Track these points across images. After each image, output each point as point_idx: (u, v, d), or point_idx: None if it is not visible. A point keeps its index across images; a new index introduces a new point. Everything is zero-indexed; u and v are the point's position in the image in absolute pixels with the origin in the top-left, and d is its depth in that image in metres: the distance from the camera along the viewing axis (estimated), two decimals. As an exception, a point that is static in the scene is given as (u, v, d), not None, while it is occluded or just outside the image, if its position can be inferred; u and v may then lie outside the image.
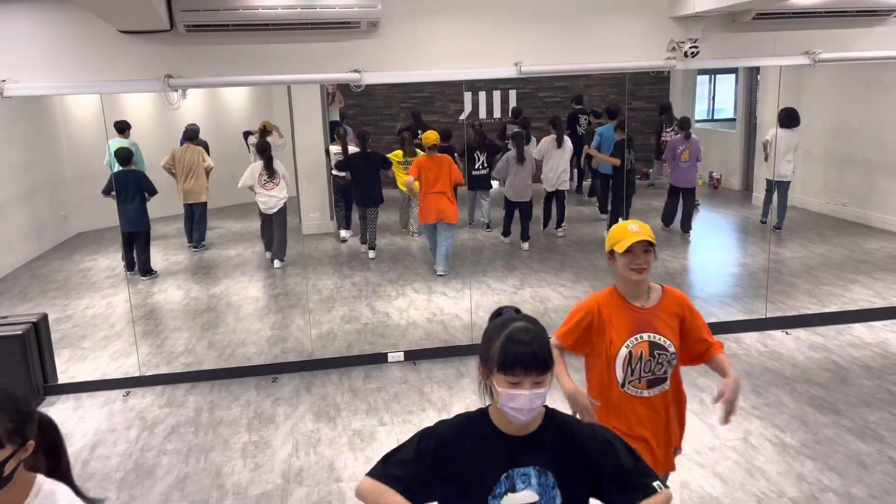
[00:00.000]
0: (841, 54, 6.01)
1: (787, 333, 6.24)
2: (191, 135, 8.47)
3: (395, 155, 8.85)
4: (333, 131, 9.55)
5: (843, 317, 6.48)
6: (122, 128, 8.16)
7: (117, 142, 8.04)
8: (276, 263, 8.43)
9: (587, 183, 11.43)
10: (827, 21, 5.90)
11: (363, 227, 8.82)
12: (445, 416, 5.03)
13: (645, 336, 2.83)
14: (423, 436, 1.98)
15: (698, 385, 5.25)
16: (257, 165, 8.19)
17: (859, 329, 6.29)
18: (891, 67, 7.98)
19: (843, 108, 8.78)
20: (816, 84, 9.32)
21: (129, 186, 7.68)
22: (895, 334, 6.16)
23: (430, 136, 7.82)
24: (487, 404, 1.99)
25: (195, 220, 8.78)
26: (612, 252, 2.83)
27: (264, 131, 8.76)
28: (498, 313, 2.02)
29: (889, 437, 4.51)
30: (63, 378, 5.73)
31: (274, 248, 8.48)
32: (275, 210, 8.24)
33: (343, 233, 9.41)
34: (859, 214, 9.05)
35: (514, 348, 1.84)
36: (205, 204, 8.63)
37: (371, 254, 8.68)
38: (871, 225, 8.92)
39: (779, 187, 8.56)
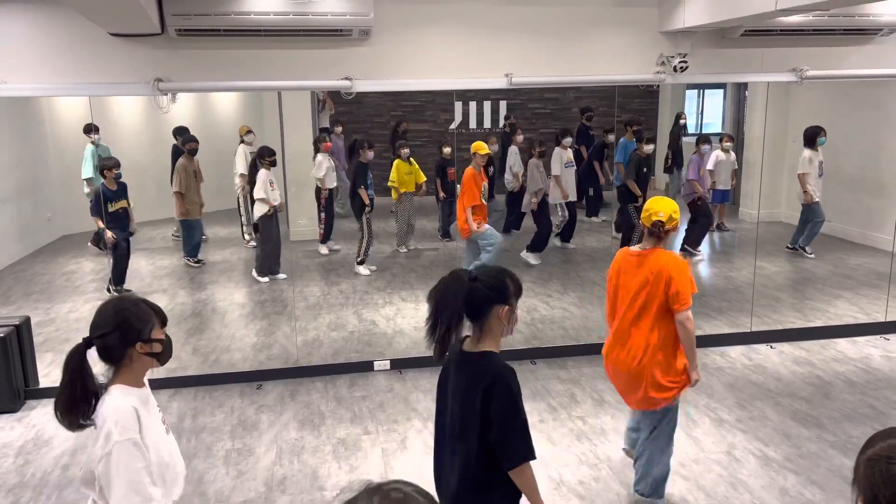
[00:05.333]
0: (828, 72, 6.10)
1: (771, 347, 6.28)
2: (187, 138, 8.27)
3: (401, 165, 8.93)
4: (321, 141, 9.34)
5: (827, 332, 6.53)
6: (94, 128, 7.80)
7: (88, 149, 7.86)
8: (282, 276, 8.23)
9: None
10: (814, 39, 5.98)
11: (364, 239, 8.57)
12: (431, 426, 5.02)
13: None
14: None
15: (683, 398, 5.25)
16: (267, 173, 7.99)
17: (843, 344, 6.33)
18: (877, 86, 8.07)
19: (828, 126, 8.85)
20: (803, 101, 9.41)
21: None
22: (878, 350, 6.21)
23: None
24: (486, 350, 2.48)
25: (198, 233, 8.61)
26: (663, 224, 3.61)
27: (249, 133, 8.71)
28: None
29: (871, 452, 4.53)
30: (45, 382, 5.67)
31: (273, 260, 8.21)
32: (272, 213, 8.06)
33: (324, 248, 9.28)
34: (844, 230, 9.13)
35: (516, 276, 2.55)
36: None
37: (363, 270, 8.45)
38: (855, 241, 9.00)
39: (816, 208, 8.49)
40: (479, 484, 2.49)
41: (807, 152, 8.42)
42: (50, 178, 9.37)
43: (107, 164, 7.30)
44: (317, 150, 8.97)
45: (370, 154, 8.49)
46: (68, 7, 4.81)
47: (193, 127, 9.49)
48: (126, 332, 2.30)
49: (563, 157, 8.89)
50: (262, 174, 7.97)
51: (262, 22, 5.03)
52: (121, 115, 9.19)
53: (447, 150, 9.19)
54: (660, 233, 3.62)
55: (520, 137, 9.31)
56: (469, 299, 2.44)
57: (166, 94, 5.26)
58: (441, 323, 2.40)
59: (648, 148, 8.57)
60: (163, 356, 2.41)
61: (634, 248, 3.74)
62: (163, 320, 2.41)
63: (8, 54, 5.04)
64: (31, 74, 5.11)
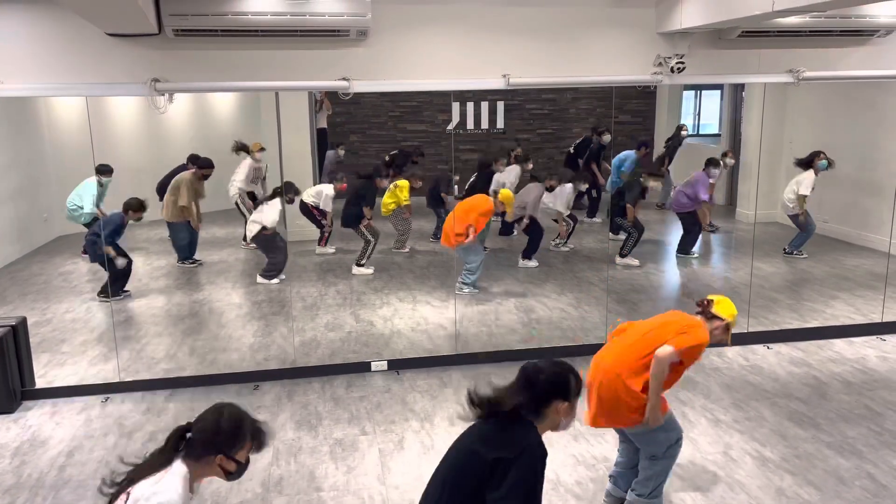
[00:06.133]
0: (824, 73, 6.10)
1: (768, 348, 6.29)
2: (211, 163, 8.45)
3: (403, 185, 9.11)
4: (332, 174, 9.43)
5: (824, 332, 6.54)
6: (107, 170, 7.85)
7: (93, 185, 7.83)
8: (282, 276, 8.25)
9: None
10: (811, 40, 5.99)
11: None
12: (428, 427, 5.02)
13: None
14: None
15: (680, 398, 5.27)
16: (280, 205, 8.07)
17: (839, 345, 6.35)
18: (873, 86, 8.10)
19: (825, 126, 8.89)
20: (800, 102, 9.44)
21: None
22: (874, 350, 6.22)
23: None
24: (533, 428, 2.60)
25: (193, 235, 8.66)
26: (720, 318, 3.70)
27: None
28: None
29: (867, 452, 4.54)
30: (41, 383, 5.66)
31: (279, 268, 8.28)
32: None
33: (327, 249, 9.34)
34: (841, 231, 9.15)
35: (579, 375, 2.75)
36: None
37: (365, 270, 8.56)
38: (852, 242, 9.02)
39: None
40: None
41: (812, 175, 8.37)
42: (47, 179, 9.35)
43: (134, 206, 7.41)
44: (327, 181, 9.11)
45: (385, 183, 8.80)
46: (65, 7, 4.80)
47: (190, 127, 9.49)
48: (219, 441, 2.48)
49: (571, 197, 9.12)
50: (277, 206, 7.94)
51: (259, 22, 5.03)
52: (118, 116, 9.18)
53: (457, 177, 9.42)
54: (718, 327, 3.72)
55: (530, 165, 9.73)
56: (531, 389, 2.63)
57: (163, 95, 5.26)
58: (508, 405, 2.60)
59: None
60: (231, 476, 2.55)
61: None
62: (258, 446, 2.57)
63: (5, 54, 5.03)
64: (28, 75, 5.10)
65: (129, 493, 2.41)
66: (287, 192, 8.01)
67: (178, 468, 2.46)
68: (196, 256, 8.81)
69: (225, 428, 2.50)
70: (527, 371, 2.69)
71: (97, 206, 7.87)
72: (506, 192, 7.91)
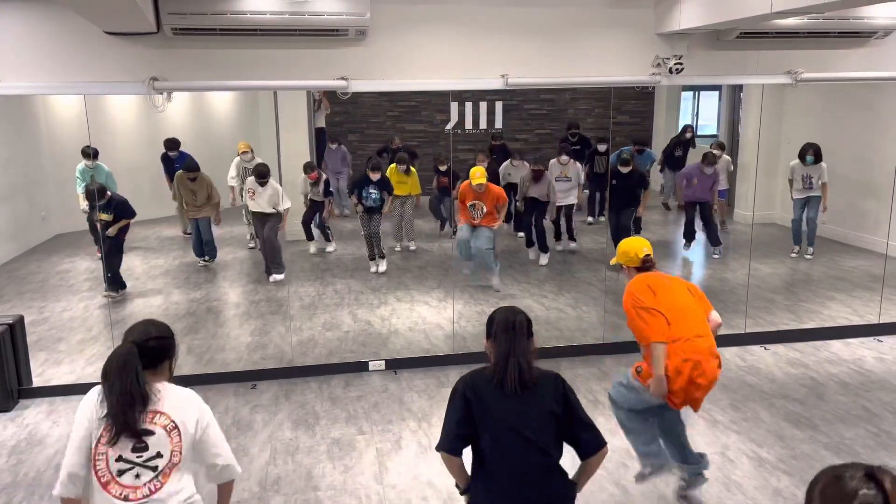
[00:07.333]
0: (822, 74, 6.12)
1: (765, 349, 6.30)
2: (192, 166, 8.29)
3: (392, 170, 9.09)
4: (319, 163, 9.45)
5: (821, 333, 6.55)
6: (92, 153, 7.81)
7: (86, 168, 7.84)
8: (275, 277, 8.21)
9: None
10: (809, 42, 6.00)
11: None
12: (426, 426, 5.02)
13: None
14: None
15: (677, 399, 5.27)
16: (250, 180, 8.13)
17: (836, 346, 6.36)
18: (871, 88, 8.11)
19: (823, 128, 8.89)
20: (798, 103, 9.45)
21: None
22: (871, 351, 6.23)
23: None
24: None
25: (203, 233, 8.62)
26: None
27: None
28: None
29: (864, 453, 4.55)
30: (38, 381, 5.65)
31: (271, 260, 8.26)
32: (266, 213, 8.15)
33: (314, 246, 9.33)
34: (838, 232, 9.16)
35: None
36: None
37: (382, 266, 8.54)
38: (849, 243, 9.03)
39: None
40: (564, 478, 2.72)
41: (793, 162, 8.52)
42: (44, 177, 9.34)
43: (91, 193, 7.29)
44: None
45: (373, 176, 8.64)
46: (64, 5, 4.80)
47: (189, 126, 9.47)
48: (172, 347, 2.81)
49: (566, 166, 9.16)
50: (249, 181, 8.13)
51: (258, 21, 5.03)
52: (116, 114, 9.17)
53: (444, 167, 9.33)
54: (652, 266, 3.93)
55: (519, 162, 9.66)
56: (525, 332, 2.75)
57: (161, 94, 5.26)
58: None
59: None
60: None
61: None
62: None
63: (3, 53, 5.03)
64: (27, 73, 5.09)
65: (168, 417, 2.59)
66: (258, 173, 8.06)
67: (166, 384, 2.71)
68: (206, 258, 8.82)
69: (170, 334, 2.80)
70: (510, 320, 2.75)
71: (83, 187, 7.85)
72: (475, 168, 7.82)
